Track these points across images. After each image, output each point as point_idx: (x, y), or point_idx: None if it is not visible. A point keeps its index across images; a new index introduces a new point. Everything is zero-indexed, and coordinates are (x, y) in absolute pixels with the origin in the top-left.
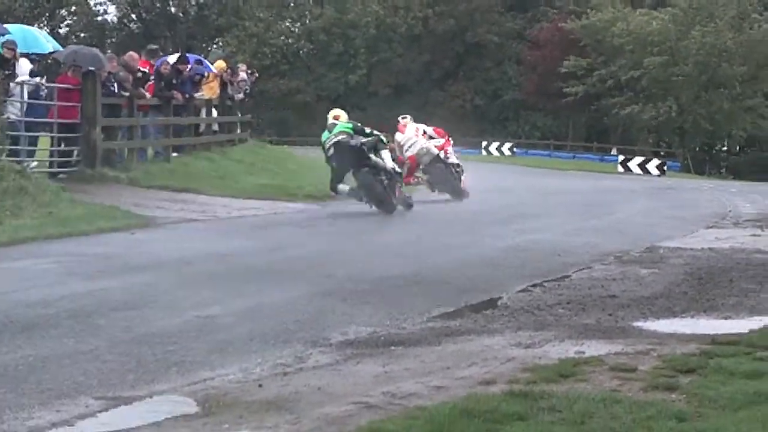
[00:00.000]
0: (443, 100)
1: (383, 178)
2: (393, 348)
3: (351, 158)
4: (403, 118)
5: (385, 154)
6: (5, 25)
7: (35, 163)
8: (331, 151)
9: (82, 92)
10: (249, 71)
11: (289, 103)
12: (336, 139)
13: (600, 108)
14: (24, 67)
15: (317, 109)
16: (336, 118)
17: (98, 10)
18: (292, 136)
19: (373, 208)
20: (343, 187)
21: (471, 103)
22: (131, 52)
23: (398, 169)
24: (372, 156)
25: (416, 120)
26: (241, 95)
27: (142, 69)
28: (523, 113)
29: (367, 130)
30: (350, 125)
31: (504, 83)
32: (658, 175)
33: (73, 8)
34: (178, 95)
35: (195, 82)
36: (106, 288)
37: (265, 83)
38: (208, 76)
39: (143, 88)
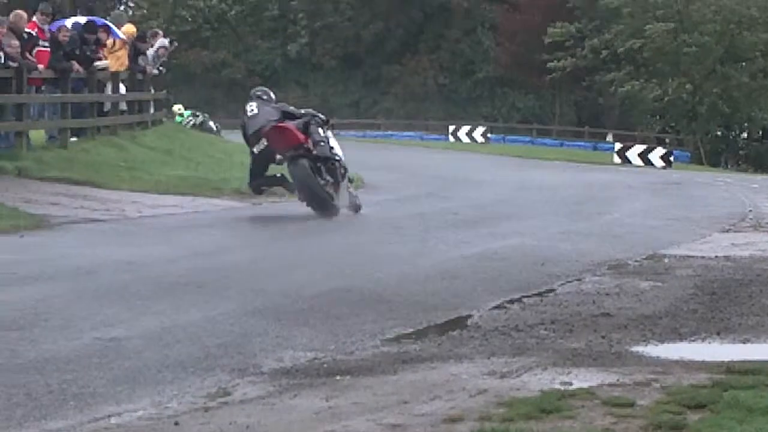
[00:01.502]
0: (400, 76)
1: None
2: (338, 378)
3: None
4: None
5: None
6: None
7: None
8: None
9: None
10: (169, 39)
11: (214, 79)
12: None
13: (593, 85)
14: None
15: (248, 87)
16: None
17: None
18: (219, 117)
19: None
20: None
21: (434, 80)
22: (19, 11)
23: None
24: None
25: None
26: (155, 71)
27: (28, 30)
28: (499, 92)
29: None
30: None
31: (476, 56)
32: (663, 167)
33: None
34: (78, 67)
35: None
36: None
37: (185, 55)
38: (115, 43)
39: (30, 54)
